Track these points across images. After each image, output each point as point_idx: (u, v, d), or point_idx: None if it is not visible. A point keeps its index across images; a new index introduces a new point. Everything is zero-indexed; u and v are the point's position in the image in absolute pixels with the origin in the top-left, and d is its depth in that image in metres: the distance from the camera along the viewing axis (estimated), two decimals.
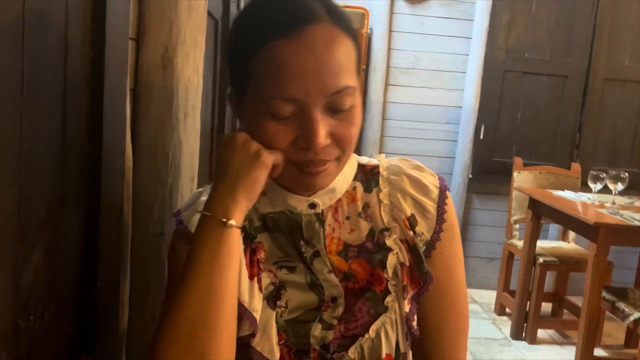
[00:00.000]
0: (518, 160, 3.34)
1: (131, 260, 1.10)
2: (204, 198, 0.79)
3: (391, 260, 0.78)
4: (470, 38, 3.56)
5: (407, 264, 0.78)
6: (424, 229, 0.79)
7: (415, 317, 0.79)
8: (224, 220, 0.67)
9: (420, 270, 0.78)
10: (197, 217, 0.76)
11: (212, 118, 1.86)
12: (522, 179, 3.32)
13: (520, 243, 3.20)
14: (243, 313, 0.73)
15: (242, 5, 2.89)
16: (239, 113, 0.75)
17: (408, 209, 0.79)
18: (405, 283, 0.77)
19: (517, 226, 3.36)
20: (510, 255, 3.35)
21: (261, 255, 0.77)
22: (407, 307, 0.77)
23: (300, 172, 0.71)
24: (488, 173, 3.73)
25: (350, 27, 0.71)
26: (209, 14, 1.61)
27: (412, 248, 0.78)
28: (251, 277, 0.74)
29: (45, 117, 0.62)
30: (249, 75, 0.69)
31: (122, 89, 0.87)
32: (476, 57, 3.54)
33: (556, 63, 3.68)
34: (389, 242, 0.78)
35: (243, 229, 0.76)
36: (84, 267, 0.79)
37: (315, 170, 0.70)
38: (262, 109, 0.68)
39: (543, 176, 3.35)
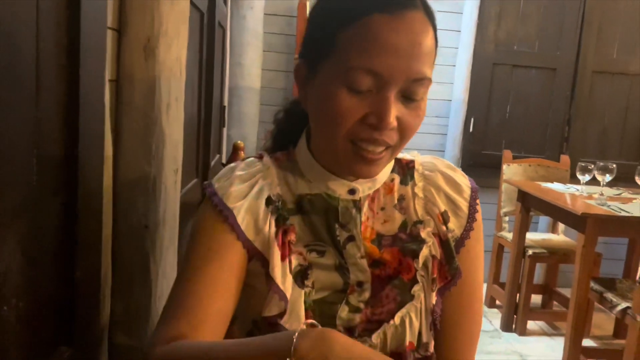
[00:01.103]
0: (507, 153, 3.35)
1: (115, 253, 1.10)
2: (239, 172, 0.79)
3: (424, 251, 0.79)
4: (460, 31, 3.56)
5: (438, 257, 0.80)
6: (455, 225, 0.82)
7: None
8: None
9: (450, 264, 0.80)
10: (233, 188, 0.77)
11: (199, 110, 1.85)
12: (512, 171, 3.34)
13: (510, 235, 3.21)
14: (277, 292, 0.74)
15: None
16: (307, 86, 0.75)
17: (442, 205, 0.82)
18: (434, 275, 0.79)
19: (506, 219, 3.37)
20: (500, 248, 3.37)
21: (292, 237, 0.77)
22: (434, 299, 0.79)
23: (357, 155, 0.71)
24: (478, 166, 3.74)
25: (436, 25, 0.72)
26: (194, 5, 1.60)
27: (443, 242, 0.80)
28: (283, 259, 0.75)
29: (17, 103, 0.61)
30: (336, 44, 0.69)
31: (100, 78, 0.86)
32: (466, 51, 3.55)
33: (545, 56, 3.68)
34: (423, 234, 0.80)
35: (276, 209, 0.77)
36: (62, 258, 0.78)
37: (372, 155, 0.71)
38: (341, 79, 0.68)
39: (532, 169, 3.37)
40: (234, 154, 2.29)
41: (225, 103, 2.93)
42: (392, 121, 0.68)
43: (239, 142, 2.35)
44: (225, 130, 2.93)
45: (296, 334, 0.55)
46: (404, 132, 0.71)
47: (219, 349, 0.60)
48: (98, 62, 0.85)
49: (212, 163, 2.21)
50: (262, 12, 3.17)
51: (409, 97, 0.70)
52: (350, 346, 0.54)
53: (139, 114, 1.11)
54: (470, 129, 3.70)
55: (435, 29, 0.72)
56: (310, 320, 0.58)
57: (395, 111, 0.69)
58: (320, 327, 0.58)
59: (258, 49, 3.19)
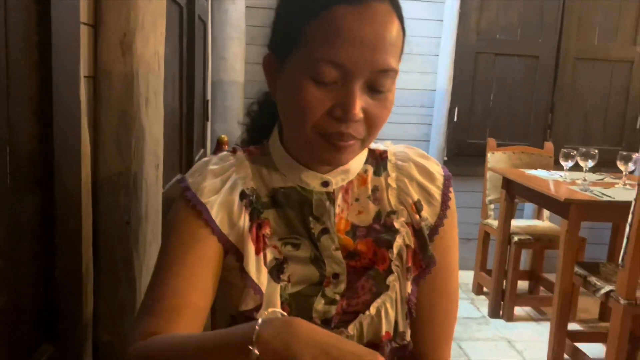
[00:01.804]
0: (491, 141, 3.37)
1: (97, 249, 1.09)
2: (212, 167, 0.79)
3: (398, 241, 0.80)
4: (442, 21, 3.56)
5: (412, 246, 0.80)
6: (428, 214, 0.83)
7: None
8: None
9: (424, 253, 0.81)
10: (206, 183, 0.77)
11: (181, 105, 1.84)
12: (496, 159, 3.36)
13: (495, 223, 3.24)
14: (252, 286, 0.74)
15: None
16: (276, 78, 0.75)
17: (415, 194, 0.82)
18: (409, 265, 0.80)
19: (492, 206, 3.40)
20: (486, 235, 3.40)
21: (266, 231, 0.77)
22: (409, 288, 0.80)
23: (327, 144, 0.71)
24: (463, 155, 3.76)
25: (402, 15, 0.73)
26: None
27: (417, 231, 0.81)
28: (257, 252, 0.75)
29: None
30: (302, 36, 0.69)
31: (74, 74, 0.86)
32: (448, 40, 3.55)
33: (527, 44, 3.70)
34: (396, 224, 0.81)
35: (250, 203, 0.77)
36: (41, 257, 0.77)
37: (343, 143, 0.71)
38: (307, 71, 0.68)
39: (516, 156, 3.39)
40: (218, 148, 2.28)
41: (209, 97, 2.91)
42: (358, 113, 0.68)
43: (223, 136, 2.34)
44: (209, 124, 2.91)
45: (259, 320, 0.55)
46: (372, 124, 0.71)
47: (190, 341, 0.60)
48: (72, 58, 0.85)
49: (196, 158, 2.20)
50: (244, 4, 3.16)
51: (375, 89, 0.70)
52: (314, 333, 0.53)
53: (117, 109, 1.11)
54: (455, 119, 3.72)
55: (401, 20, 0.72)
56: (274, 309, 0.58)
57: (361, 103, 0.69)
58: (286, 315, 0.58)
59: (241, 42, 3.17)
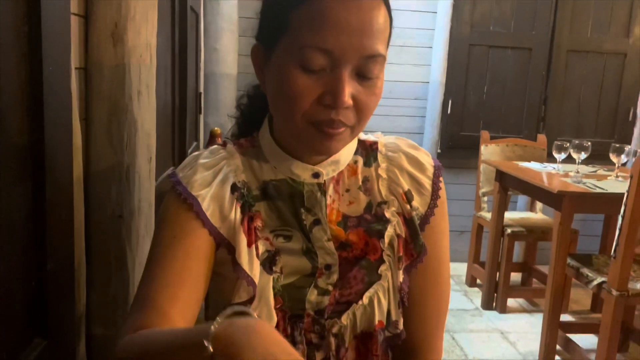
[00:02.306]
0: (485, 134, 3.38)
1: (90, 243, 1.09)
2: (202, 160, 0.79)
3: (389, 231, 0.80)
4: (436, 12, 3.56)
5: (404, 235, 0.81)
6: (419, 204, 0.83)
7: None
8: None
9: (415, 242, 0.81)
10: (197, 176, 0.76)
11: (173, 98, 1.83)
12: (490, 152, 3.36)
13: (488, 215, 3.25)
14: (245, 278, 0.74)
15: None
16: (264, 69, 0.75)
17: (405, 184, 0.83)
18: (400, 254, 0.80)
19: (485, 199, 3.41)
20: (480, 228, 3.41)
21: (258, 223, 0.77)
22: (401, 277, 0.80)
23: (318, 132, 0.71)
24: (456, 147, 3.77)
25: (388, 2, 0.72)
26: None
27: (408, 221, 0.82)
28: (249, 245, 0.75)
29: None
30: (288, 25, 0.68)
31: (65, 66, 0.84)
32: (442, 32, 3.55)
33: (521, 36, 3.70)
34: (387, 214, 0.81)
35: (241, 196, 0.77)
36: (33, 251, 0.77)
37: (333, 130, 0.70)
38: (294, 59, 0.68)
39: (510, 148, 3.40)
40: (211, 141, 2.27)
41: (202, 90, 2.89)
42: (347, 99, 0.68)
43: (216, 129, 2.33)
44: (202, 117, 2.90)
45: (218, 318, 0.52)
46: (361, 111, 0.71)
47: (163, 337, 0.59)
48: (62, 49, 0.84)
49: (189, 150, 2.19)
50: None
51: (363, 75, 0.69)
52: (271, 345, 0.48)
53: (109, 102, 1.09)
54: (448, 111, 3.72)
55: (388, 7, 0.72)
56: (234, 307, 0.55)
57: (350, 89, 0.68)
58: (255, 316, 0.55)
59: (233, 34, 3.15)
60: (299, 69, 0.68)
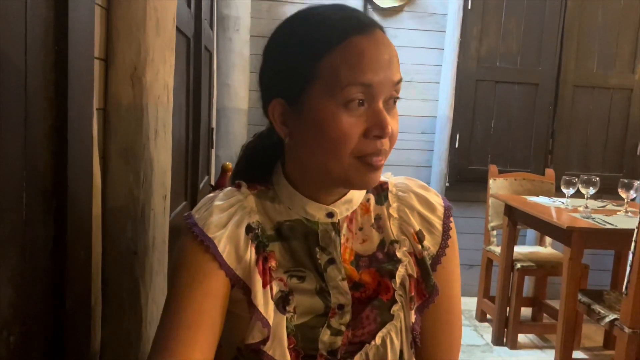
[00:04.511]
0: (493, 168, 3.39)
1: (104, 280, 1.10)
2: (218, 202, 0.81)
3: (400, 271, 0.81)
4: (443, 49, 3.62)
5: (415, 275, 0.82)
6: (430, 243, 0.84)
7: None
8: None
9: (426, 282, 0.82)
10: (213, 218, 0.78)
11: (187, 134, 1.86)
12: (498, 185, 3.37)
13: (498, 249, 3.24)
14: (260, 319, 0.75)
15: (214, 22, 2.91)
16: (290, 121, 0.77)
17: (416, 224, 0.84)
18: (412, 294, 0.81)
19: (494, 232, 3.40)
20: (489, 262, 3.39)
21: (272, 263, 0.78)
22: (413, 317, 0.81)
23: (366, 165, 0.74)
24: (465, 181, 3.78)
25: None
26: (180, 31, 1.62)
27: (419, 261, 0.83)
28: (264, 286, 0.76)
29: (6, 140, 0.62)
30: (318, 73, 0.72)
31: (88, 108, 0.88)
32: (449, 68, 3.60)
33: (527, 71, 3.75)
34: (399, 253, 0.82)
35: (256, 237, 0.79)
36: (51, 289, 0.78)
37: (378, 161, 0.74)
38: (336, 100, 0.72)
39: (518, 182, 3.41)
40: (223, 175, 2.30)
41: (214, 124, 2.94)
42: (391, 127, 0.74)
43: (227, 163, 2.36)
44: (213, 151, 2.94)
45: None
46: (393, 137, 0.76)
47: None
48: (86, 93, 0.87)
49: (201, 185, 2.22)
50: (248, 33, 3.21)
51: (388, 103, 0.75)
52: None
53: (127, 141, 1.12)
54: (456, 145, 3.75)
55: None
56: None
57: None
58: None
59: (245, 70, 3.22)
60: (342, 109, 0.72)
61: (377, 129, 0.73)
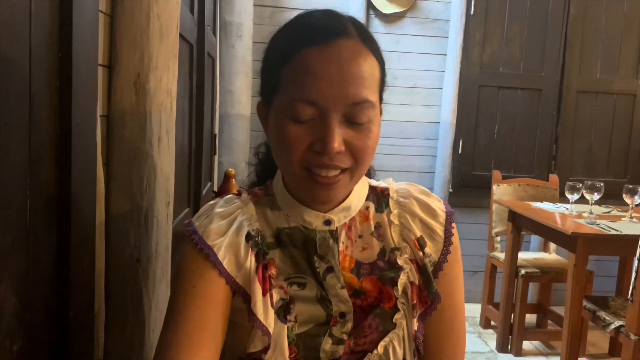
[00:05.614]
0: (497, 174, 3.38)
1: (107, 287, 1.09)
2: (218, 210, 0.80)
3: (402, 278, 0.80)
4: (446, 55, 3.62)
5: (417, 283, 0.81)
6: (432, 250, 0.83)
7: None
8: None
9: (428, 289, 0.81)
10: (213, 225, 0.78)
11: (190, 141, 1.86)
12: (502, 191, 3.36)
13: (502, 255, 3.22)
14: (260, 328, 0.75)
15: (217, 29, 2.92)
16: (267, 122, 0.78)
17: (417, 231, 0.83)
18: (414, 302, 0.80)
19: (498, 238, 3.39)
20: (493, 268, 3.37)
21: (272, 271, 0.78)
22: (415, 325, 0.80)
23: (313, 181, 0.73)
24: (468, 187, 3.77)
25: (377, 49, 0.76)
26: (183, 38, 1.62)
27: (421, 268, 0.81)
28: (264, 294, 0.76)
29: (10, 147, 0.62)
30: (280, 82, 0.73)
31: (92, 115, 0.87)
32: (452, 73, 3.60)
33: (530, 77, 3.75)
34: (400, 261, 0.81)
35: (256, 244, 0.78)
36: (55, 297, 0.78)
37: (327, 180, 0.72)
38: (286, 112, 0.71)
39: (522, 188, 3.40)
40: (226, 181, 2.30)
41: (216, 131, 2.94)
42: (337, 146, 0.70)
43: (230, 169, 2.35)
44: (216, 157, 2.94)
45: None
46: (356, 155, 0.73)
47: None
48: (90, 100, 0.87)
49: (204, 192, 2.21)
50: (251, 40, 3.22)
51: (353, 121, 0.72)
52: None
53: (130, 148, 1.12)
54: (459, 151, 3.74)
55: (376, 54, 0.75)
56: None
57: (341, 135, 0.71)
58: None
59: (247, 77, 3.22)
60: (291, 121, 0.71)
61: (319, 144, 0.71)
